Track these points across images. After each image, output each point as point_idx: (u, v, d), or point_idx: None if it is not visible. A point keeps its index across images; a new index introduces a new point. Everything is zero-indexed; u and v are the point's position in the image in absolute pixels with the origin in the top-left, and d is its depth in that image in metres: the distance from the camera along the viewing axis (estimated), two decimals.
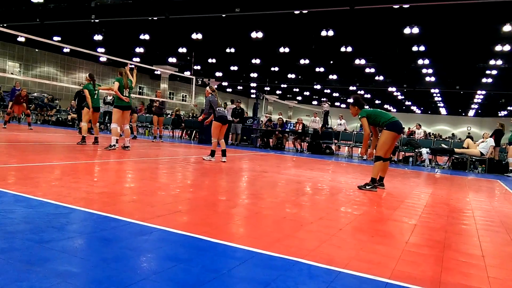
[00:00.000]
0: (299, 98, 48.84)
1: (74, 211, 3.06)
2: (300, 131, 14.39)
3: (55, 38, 23.41)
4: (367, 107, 5.94)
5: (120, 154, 7.61)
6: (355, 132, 14.78)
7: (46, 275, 1.84)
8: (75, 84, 31.62)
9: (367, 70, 27.06)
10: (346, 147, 14.55)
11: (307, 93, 44.87)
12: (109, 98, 14.82)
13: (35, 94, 21.47)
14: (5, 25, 18.92)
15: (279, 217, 3.48)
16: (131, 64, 10.19)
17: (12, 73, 27.30)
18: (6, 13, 19.17)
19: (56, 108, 20.10)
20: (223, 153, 7.83)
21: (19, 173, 4.53)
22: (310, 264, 2.30)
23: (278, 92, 44.75)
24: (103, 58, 30.97)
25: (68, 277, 1.84)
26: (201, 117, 8.77)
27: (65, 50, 28.76)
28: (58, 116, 19.03)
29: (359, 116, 5.73)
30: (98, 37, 23.00)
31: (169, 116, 20.13)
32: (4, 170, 4.66)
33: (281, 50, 22.54)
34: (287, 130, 15.06)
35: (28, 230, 2.48)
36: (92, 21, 18.29)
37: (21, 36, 21.11)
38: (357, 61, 24.28)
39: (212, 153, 7.72)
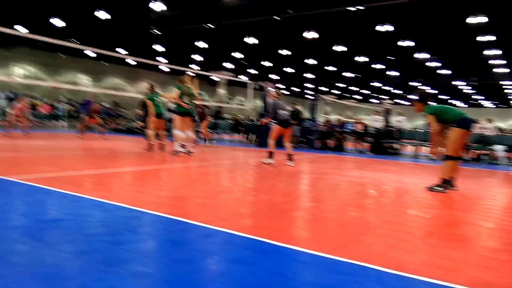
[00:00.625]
0: (357, 97, 47.55)
1: (145, 214, 3.23)
2: (361, 130, 14.00)
3: (121, 51, 24.98)
4: (433, 103, 5.62)
5: (184, 159, 7.91)
6: (419, 130, 14.06)
7: (123, 275, 1.96)
8: (140, 93, 33.46)
9: (429, 64, 25.68)
10: (412, 146, 13.89)
11: (365, 91, 43.56)
12: (173, 105, 15.47)
13: (107, 105, 23.02)
14: (76, 41, 20.54)
15: (343, 220, 3.40)
16: (188, 72, 10.52)
17: (84, 86, 29.52)
18: (77, 30, 20.78)
19: (124, 117, 21.39)
20: (290, 157, 7.62)
21: (95, 179, 4.88)
22: (378, 270, 2.22)
23: (335, 91, 43.92)
24: (164, 67, 32.45)
25: (143, 278, 1.95)
26: (265, 120, 8.69)
27: (129, 62, 30.57)
28: (127, 124, 20.23)
29: (425, 112, 5.40)
30: (159, 48, 24.18)
31: (227, 120, 20.58)
32: (82, 177, 5.05)
33: (337, 48, 22.12)
34: (346, 130, 14.72)
35: (105, 232, 2.66)
36: (153, 32, 19.25)
37: (90, 51, 22.77)
38: (418, 55, 23.13)
39: (270, 155, 7.60)
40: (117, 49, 24.48)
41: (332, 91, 43.22)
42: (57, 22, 19.48)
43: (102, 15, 17.85)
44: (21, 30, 19.48)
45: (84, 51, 26.17)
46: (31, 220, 2.88)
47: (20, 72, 27.62)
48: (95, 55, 27.80)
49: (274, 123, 7.51)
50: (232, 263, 2.23)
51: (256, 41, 21.04)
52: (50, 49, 27.50)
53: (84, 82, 30.57)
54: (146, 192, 4.15)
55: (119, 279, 1.91)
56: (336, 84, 36.26)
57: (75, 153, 7.77)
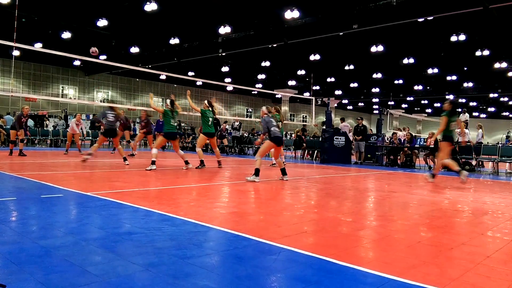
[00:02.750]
0: (429, 110, 45.11)
1: (210, 230, 3.32)
2: (433, 146, 13.21)
3: (190, 73, 26.34)
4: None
5: (245, 176, 8.03)
6: (500, 144, 12.94)
7: None
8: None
9: (511, 74, 23.67)
10: (490, 163, 12.80)
11: (437, 105, 41.23)
12: (236, 123, 15.88)
13: (183, 124, 24.21)
14: (150, 66, 22.06)
15: (413, 241, 3.21)
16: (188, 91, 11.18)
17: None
18: (150, 56, 22.36)
19: (192, 135, 22.36)
20: (283, 171, 7.56)
21: (164, 195, 5.13)
22: None
23: (403, 105, 42.13)
24: (229, 87, 33.55)
25: None
26: (259, 139, 8.83)
27: (198, 83, 32.07)
28: (195, 142, 21.08)
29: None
30: (225, 69, 25.14)
31: (290, 137, 20.58)
32: (152, 192, 5.34)
33: (405, 61, 21.33)
34: (416, 146, 13.98)
35: (173, 246, 2.78)
36: (220, 55, 20.08)
37: (162, 75, 24.29)
38: (496, 65, 21.47)
39: (257, 172, 7.05)
40: (189, 73, 25.87)
41: (402, 105, 41.54)
42: (133, 50, 21.13)
43: (174, 41, 19.04)
44: (102, 58, 21.40)
45: (160, 76, 27.99)
46: (106, 233, 3.09)
47: (100, 96, 30.21)
48: (165, 77, 29.56)
49: (269, 139, 7.34)
50: (295, 282, 2.20)
51: (320, 58, 20.99)
52: (127, 75, 29.83)
53: (156, 104, 32.57)
54: (210, 208, 4.28)
55: None
56: (406, 98, 34.76)
57: (144, 169, 8.26)
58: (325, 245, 3.01)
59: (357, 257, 2.76)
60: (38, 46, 18.91)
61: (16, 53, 21.64)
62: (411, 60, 21.23)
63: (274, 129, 7.37)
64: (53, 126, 21.63)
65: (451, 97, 31.21)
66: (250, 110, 40.19)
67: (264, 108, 7.88)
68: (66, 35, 18.65)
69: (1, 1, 14.19)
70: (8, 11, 14.92)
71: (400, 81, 28.75)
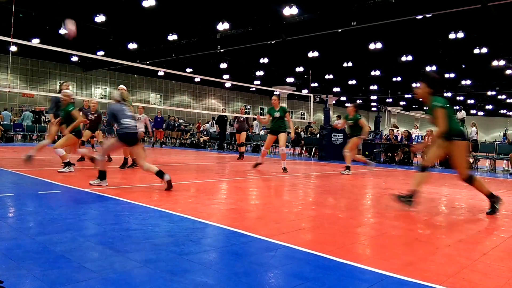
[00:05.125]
0: (427, 108, 45.14)
1: (208, 226, 3.32)
2: (430, 143, 13.24)
3: (188, 70, 26.27)
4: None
5: (244, 173, 8.03)
6: (497, 142, 12.97)
7: (187, 285, 2.03)
8: (205, 109, 34.81)
9: (509, 71, 23.71)
10: (488, 160, 12.85)
11: None
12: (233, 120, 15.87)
13: (181, 121, 24.15)
14: (148, 62, 21.98)
15: (410, 238, 3.22)
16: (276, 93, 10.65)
17: (154, 104, 31.38)
18: (148, 52, 22.27)
19: (190, 132, 22.33)
20: (101, 175, 5.24)
21: (162, 191, 5.13)
22: None
23: (401, 103, 42.16)
24: (228, 84, 33.50)
25: None
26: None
27: (196, 80, 32.00)
28: (192, 139, 21.07)
29: (435, 104, 4.34)
30: (223, 65, 25.09)
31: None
32: (150, 189, 5.34)
33: (404, 58, 21.32)
34: (414, 143, 14.01)
35: (171, 242, 2.78)
36: (218, 51, 20.02)
37: (160, 71, 24.23)
38: (494, 63, 21.50)
39: (102, 175, 5.21)
40: (187, 69, 25.81)
41: (400, 103, 41.58)
42: (131, 46, 21.05)
43: (172, 37, 18.98)
44: (100, 54, 21.33)
45: (158, 73, 27.92)
46: (104, 229, 3.09)
47: (98, 92, 30.11)
48: (163, 74, 29.48)
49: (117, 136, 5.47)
50: (293, 278, 2.21)
51: (318, 55, 20.97)
52: (124, 71, 29.73)
53: (154, 100, 32.49)
54: (208, 205, 4.28)
55: None
56: (404, 95, 34.79)
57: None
58: (322, 242, 3.01)
59: (355, 254, 2.77)
60: (35, 42, 18.80)
61: (13, 48, 21.51)
62: (409, 58, 21.22)
63: (126, 121, 5.20)
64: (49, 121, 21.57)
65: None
66: (248, 107, 40.16)
67: (115, 92, 5.65)
68: (64, 30, 18.52)
69: None
70: (5, 6, 14.83)
71: (398, 79, 28.75)
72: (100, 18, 16.61)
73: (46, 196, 4.39)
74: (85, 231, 3.04)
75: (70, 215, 3.58)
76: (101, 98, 29.20)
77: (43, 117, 21.74)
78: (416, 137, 14.79)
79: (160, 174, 5.09)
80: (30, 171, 6.40)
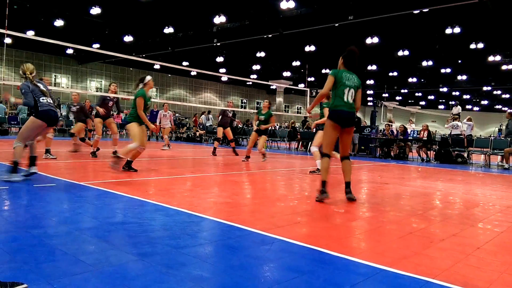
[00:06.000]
0: (423, 103, 45.30)
1: (204, 220, 3.33)
2: (425, 138, 13.30)
3: (184, 63, 26.14)
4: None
5: (240, 167, 8.04)
6: (492, 137, 13.04)
7: (182, 278, 2.03)
8: (202, 103, 34.71)
9: (505, 67, 23.80)
10: (482, 155, 12.93)
11: (431, 97, 41.40)
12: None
13: (177, 114, 24.08)
14: (144, 55, 21.85)
15: (405, 232, 3.25)
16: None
17: (150, 97, 31.26)
18: (144, 45, 22.12)
19: (186, 126, 22.27)
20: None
21: (158, 185, 5.13)
22: (443, 285, 2.09)
23: (398, 98, 42.24)
24: (224, 78, 33.39)
25: (201, 282, 2.00)
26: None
27: (192, 73, 31.86)
28: (188, 133, 21.02)
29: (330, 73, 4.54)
30: (220, 59, 24.99)
31: (284, 128, 20.60)
32: (146, 183, 5.33)
33: (400, 53, 21.33)
34: (410, 138, 14.07)
35: (167, 236, 2.78)
36: (215, 44, 19.92)
37: (156, 64, 24.07)
38: (491, 58, 21.56)
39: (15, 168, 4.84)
40: (183, 63, 25.69)
41: (396, 97, 41.66)
42: (127, 39, 20.90)
43: (168, 30, 18.86)
44: (95, 47, 21.16)
45: (154, 66, 27.76)
46: (99, 222, 3.09)
47: (94, 85, 29.93)
48: (159, 67, 29.32)
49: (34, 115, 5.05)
50: (288, 272, 2.22)
51: (315, 49, 20.92)
52: (120, 64, 29.54)
53: (151, 94, 32.36)
54: (204, 198, 4.28)
55: (179, 282, 1.99)
56: (400, 90, 34.85)
57: (140, 160, 8.22)
58: (318, 235, 3.03)
59: (350, 247, 2.79)
60: (30, 34, 18.63)
61: (7, 40, 21.30)
62: (406, 53, 21.24)
63: (43, 99, 4.96)
64: None
65: (444, 89, 31.39)
66: (245, 101, 40.07)
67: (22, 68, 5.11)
68: (59, 22, 18.36)
69: None
70: None
71: (395, 73, 28.79)
72: (95, 11, 16.46)
73: (41, 189, 4.38)
74: (81, 224, 3.04)
75: (66, 208, 3.57)
76: (96, 91, 29.02)
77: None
78: (412, 132, 14.83)
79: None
80: (25, 164, 6.37)
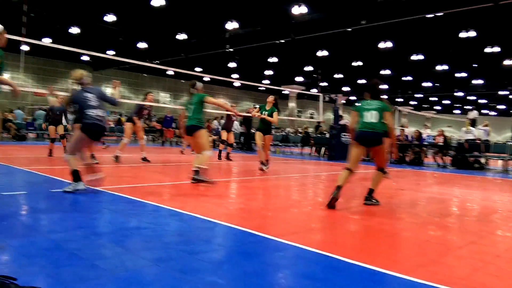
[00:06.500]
0: (438, 107, 44.71)
1: (217, 225, 3.33)
2: (441, 143, 13.11)
3: (197, 69, 26.34)
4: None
5: (253, 172, 8.03)
6: (510, 142, 12.78)
7: (196, 284, 2.03)
8: (214, 109, 34.87)
9: None
10: (500, 161, 12.68)
11: (446, 102, 40.84)
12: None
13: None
14: (157, 61, 22.10)
15: (421, 240, 3.20)
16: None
17: (164, 103, 31.54)
18: (158, 51, 22.38)
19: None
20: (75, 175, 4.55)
21: (172, 190, 5.15)
22: None
23: (412, 102, 41.79)
24: (237, 83, 33.53)
25: None
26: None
27: (205, 79, 32.04)
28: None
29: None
30: (232, 64, 25.11)
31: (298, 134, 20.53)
32: (161, 188, 5.37)
33: (414, 57, 21.13)
34: (425, 143, 13.88)
35: (181, 241, 2.79)
36: (227, 50, 20.03)
37: (170, 70, 24.30)
38: (506, 62, 21.20)
39: (76, 176, 4.53)
40: (196, 69, 25.90)
41: (410, 102, 41.22)
42: (141, 45, 21.18)
43: (181, 36, 19.06)
44: (110, 53, 21.49)
45: (167, 72, 28.05)
46: (115, 227, 3.12)
47: (109, 92, 30.35)
48: (173, 73, 29.60)
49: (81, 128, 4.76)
50: (302, 279, 2.20)
51: (328, 54, 20.88)
52: (134, 70, 29.93)
53: (164, 99, 32.68)
54: (218, 204, 4.29)
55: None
56: (415, 95, 34.48)
57: (155, 165, 8.29)
58: (332, 242, 3.00)
59: (365, 254, 2.75)
60: (46, 41, 19.01)
61: (25, 48, 21.77)
62: (420, 57, 21.03)
63: (91, 112, 4.54)
64: None
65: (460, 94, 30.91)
66: (257, 106, 40.16)
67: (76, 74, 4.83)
68: (75, 30, 18.72)
69: None
70: (17, 6, 15.00)
71: (409, 78, 28.49)
72: (110, 18, 16.74)
73: (58, 194, 4.44)
74: (97, 229, 3.07)
75: (82, 213, 3.61)
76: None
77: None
78: (428, 137, 14.64)
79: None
80: (42, 169, 6.48)
